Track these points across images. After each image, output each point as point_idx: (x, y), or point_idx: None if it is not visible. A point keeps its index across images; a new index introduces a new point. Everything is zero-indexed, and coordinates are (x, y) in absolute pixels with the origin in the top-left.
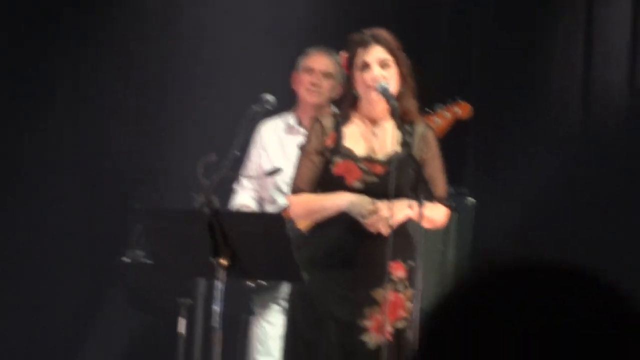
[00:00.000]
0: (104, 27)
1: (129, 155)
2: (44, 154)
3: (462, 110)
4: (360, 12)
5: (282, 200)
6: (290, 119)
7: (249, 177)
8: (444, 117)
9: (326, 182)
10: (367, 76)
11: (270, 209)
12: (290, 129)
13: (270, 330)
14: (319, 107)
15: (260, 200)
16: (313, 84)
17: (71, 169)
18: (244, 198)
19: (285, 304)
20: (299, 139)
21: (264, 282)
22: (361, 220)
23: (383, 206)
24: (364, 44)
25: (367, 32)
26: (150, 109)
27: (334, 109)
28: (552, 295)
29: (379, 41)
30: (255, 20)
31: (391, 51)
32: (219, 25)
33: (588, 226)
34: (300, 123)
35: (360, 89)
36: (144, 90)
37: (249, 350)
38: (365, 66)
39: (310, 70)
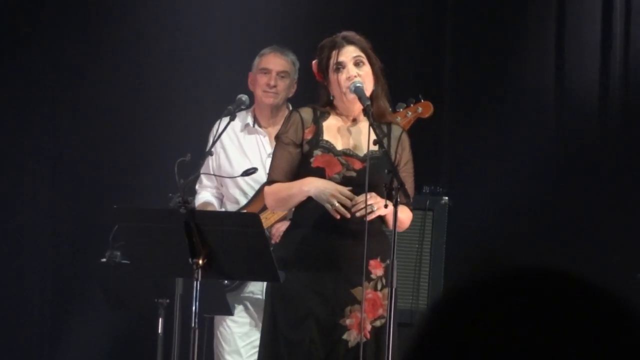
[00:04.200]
0: (84, 30)
1: (107, 156)
2: (22, 155)
3: (423, 108)
4: (331, 14)
5: (243, 199)
6: (247, 118)
7: (209, 176)
8: (405, 116)
9: (306, 174)
10: (342, 76)
11: (230, 207)
12: (247, 128)
13: (236, 329)
14: (275, 108)
15: (222, 198)
16: (269, 85)
17: (49, 170)
18: (206, 196)
19: (249, 303)
20: (256, 137)
21: (226, 282)
22: (326, 206)
23: (361, 198)
24: (337, 46)
25: (339, 35)
26: (127, 109)
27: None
28: (535, 297)
29: (351, 41)
30: (230, 21)
31: (364, 50)
32: (194, 27)
33: (562, 225)
34: (257, 122)
35: (335, 92)
36: (120, 91)
37: (215, 351)
38: (340, 66)
39: (266, 71)
